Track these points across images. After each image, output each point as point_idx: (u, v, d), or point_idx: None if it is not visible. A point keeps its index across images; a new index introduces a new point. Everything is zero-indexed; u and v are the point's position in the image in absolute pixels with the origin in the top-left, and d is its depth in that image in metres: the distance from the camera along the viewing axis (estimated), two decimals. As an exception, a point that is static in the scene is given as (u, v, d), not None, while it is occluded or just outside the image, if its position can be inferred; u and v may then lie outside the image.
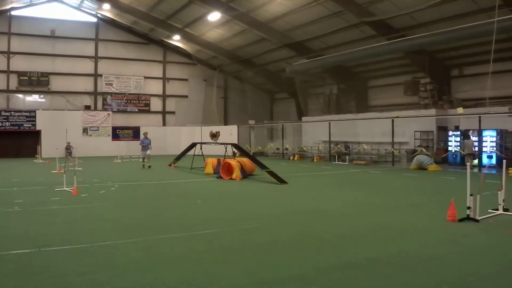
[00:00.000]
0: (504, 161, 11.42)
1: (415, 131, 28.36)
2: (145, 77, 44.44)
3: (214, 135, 22.89)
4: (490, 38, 19.80)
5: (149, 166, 24.20)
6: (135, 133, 40.85)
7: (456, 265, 6.39)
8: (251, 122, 41.30)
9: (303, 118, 39.81)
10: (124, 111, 43.37)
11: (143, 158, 25.12)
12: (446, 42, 25.84)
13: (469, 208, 9.25)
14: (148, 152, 24.63)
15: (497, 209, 10.15)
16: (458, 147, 25.42)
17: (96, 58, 42.22)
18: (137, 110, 44.19)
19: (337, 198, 13.57)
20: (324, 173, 23.07)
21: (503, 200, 10.16)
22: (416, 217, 10.11)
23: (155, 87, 45.33)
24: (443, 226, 9.02)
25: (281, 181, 17.02)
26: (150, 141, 24.99)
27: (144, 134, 26.16)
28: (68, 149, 35.27)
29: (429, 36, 24.99)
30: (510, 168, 19.12)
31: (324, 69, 35.55)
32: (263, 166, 18.61)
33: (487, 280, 5.80)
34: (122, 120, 42.35)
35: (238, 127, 40.68)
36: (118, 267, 6.29)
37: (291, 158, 34.75)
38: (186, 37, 39.09)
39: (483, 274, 6.01)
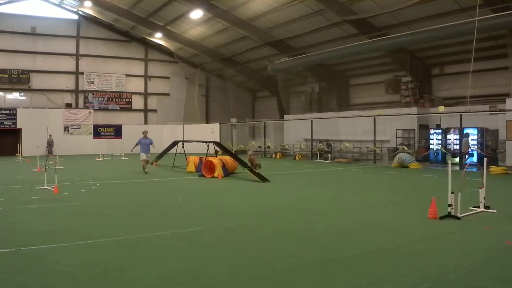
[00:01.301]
0: (485, 159, 11.60)
1: (396, 129, 28.63)
2: (127, 75, 44.06)
3: (255, 167, 18.90)
4: (471, 37, 20.02)
5: (146, 172, 20.57)
6: (116, 131, 40.68)
7: (438, 261, 6.44)
8: (233, 120, 41.38)
9: (285, 116, 39.97)
10: (106, 109, 42.95)
11: (146, 161, 20.97)
12: (428, 41, 26.11)
13: (450, 205, 9.34)
14: (149, 155, 21.00)
15: (478, 207, 10.27)
16: (440, 145, 25.67)
17: (77, 56, 41.70)
18: (118, 108, 43.79)
19: (319, 196, 13.58)
20: (306, 171, 23.12)
21: (484, 198, 10.26)
22: (398, 215, 10.18)
23: (137, 85, 44.95)
24: (424, 223, 9.09)
25: (263, 179, 17.02)
26: (150, 141, 20.88)
27: (143, 133, 21.43)
28: (50, 143, 34.74)
29: (411, 35, 25.21)
30: (490, 166, 19.41)
31: (306, 67, 35.63)
32: (245, 164, 18.63)
33: (469, 276, 5.85)
34: (104, 118, 41.95)
35: (220, 125, 40.64)
36: (100, 266, 6.22)
37: (273, 156, 34.82)
38: (168, 35, 38.85)
39: (465, 271, 6.07)
